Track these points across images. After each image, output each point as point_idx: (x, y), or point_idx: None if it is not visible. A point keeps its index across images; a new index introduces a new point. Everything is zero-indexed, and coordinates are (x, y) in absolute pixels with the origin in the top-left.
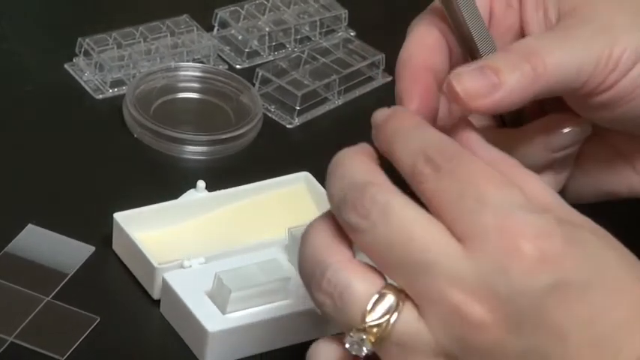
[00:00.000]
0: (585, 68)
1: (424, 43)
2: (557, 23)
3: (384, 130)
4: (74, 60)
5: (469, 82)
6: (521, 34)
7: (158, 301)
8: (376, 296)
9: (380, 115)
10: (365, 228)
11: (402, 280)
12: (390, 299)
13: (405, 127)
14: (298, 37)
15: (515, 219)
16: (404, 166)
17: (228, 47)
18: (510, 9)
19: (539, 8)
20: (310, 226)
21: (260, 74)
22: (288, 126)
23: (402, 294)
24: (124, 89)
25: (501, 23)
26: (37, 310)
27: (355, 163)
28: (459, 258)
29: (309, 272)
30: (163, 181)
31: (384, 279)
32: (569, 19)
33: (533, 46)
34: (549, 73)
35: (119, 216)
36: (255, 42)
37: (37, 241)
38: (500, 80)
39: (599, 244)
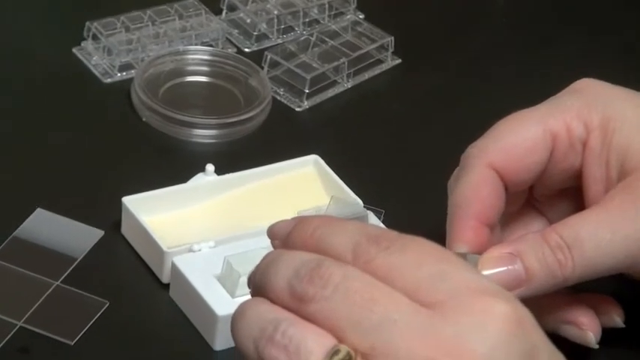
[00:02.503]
0: (620, 264)
1: (480, 194)
2: (618, 184)
3: (302, 233)
4: (82, 44)
5: (494, 270)
6: (580, 181)
7: (167, 285)
8: (332, 348)
9: (284, 224)
10: (323, 295)
11: (361, 339)
12: (345, 350)
13: (331, 223)
14: (307, 19)
15: (484, 282)
16: (343, 252)
17: (236, 30)
18: (572, 151)
19: (601, 160)
20: (244, 305)
21: (269, 57)
22: (297, 109)
23: (356, 351)
24: (132, 73)
25: (560, 162)
26: (46, 294)
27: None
28: (428, 317)
29: (257, 332)
30: (172, 165)
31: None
32: (627, 188)
33: (568, 238)
34: (577, 274)
35: (128, 200)
36: (264, 25)
37: (46, 226)
38: (528, 274)
39: None
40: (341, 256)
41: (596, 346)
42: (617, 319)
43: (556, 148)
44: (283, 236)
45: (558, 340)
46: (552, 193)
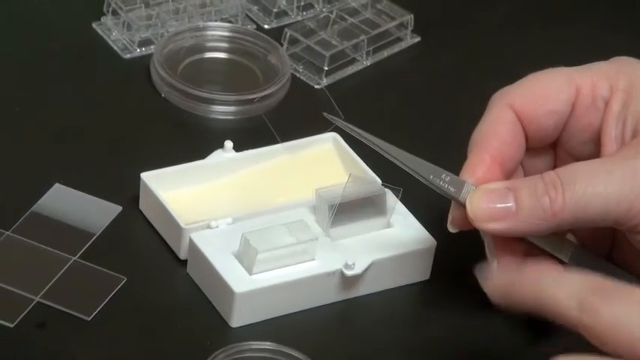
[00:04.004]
0: (612, 208)
1: (496, 129)
2: (629, 141)
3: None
4: (102, 19)
5: (483, 203)
6: (600, 138)
7: (185, 262)
8: None
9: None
10: None
11: None
12: None
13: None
14: None
15: None
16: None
17: (256, 7)
18: (594, 108)
19: (619, 120)
20: None
21: (288, 34)
22: (316, 86)
23: None
24: (151, 49)
25: (581, 119)
26: (63, 269)
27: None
28: None
29: None
30: (190, 141)
31: None
32: (634, 146)
33: (564, 176)
34: (567, 212)
35: (146, 176)
36: (284, 2)
37: (64, 201)
38: (517, 207)
39: None
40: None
41: None
42: None
43: (578, 102)
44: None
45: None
46: (574, 159)
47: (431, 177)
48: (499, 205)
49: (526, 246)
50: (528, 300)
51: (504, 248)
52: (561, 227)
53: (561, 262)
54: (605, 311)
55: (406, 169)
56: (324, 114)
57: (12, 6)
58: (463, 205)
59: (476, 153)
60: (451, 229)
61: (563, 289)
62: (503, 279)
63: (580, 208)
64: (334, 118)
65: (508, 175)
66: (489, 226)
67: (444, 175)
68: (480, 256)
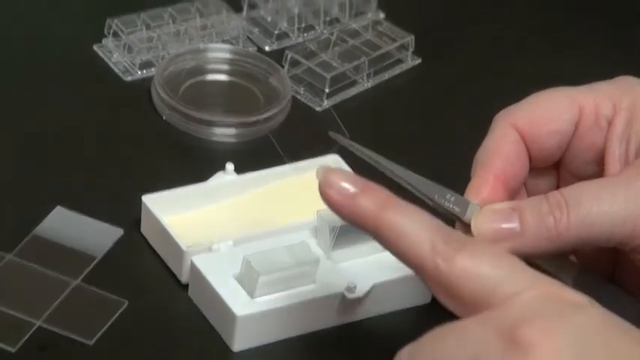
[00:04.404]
0: (617, 228)
1: (499, 149)
2: (633, 161)
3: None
4: (103, 41)
5: (488, 223)
6: (603, 158)
7: (186, 285)
8: None
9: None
10: None
11: None
12: None
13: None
14: (327, 18)
15: None
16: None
17: (257, 29)
18: (597, 128)
19: (623, 139)
20: None
21: (289, 56)
22: (317, 108)
23: None
24: (152, 71)
25: (584, 139)
26: (65, 293)
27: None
28: None
29: None
30: (192, 164)
31: None
32: (638, 165)
33: (568, 196)
34: (572, 232)
35: (147, 198)
36: (285, 23)
37: (66, 224)
38: (522, 227)
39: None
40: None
41: None
42: None
43: (581, 122)
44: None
45: None
46: (577, 179)
47: (436, 197)
48: (504, 226)
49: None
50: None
51: None
52: (566, 248)
53: (565, 283)
54: (460, 260)
55: (411, 189)
56: (330, 133)
57: (12, 28)
58: (468, 226)
59: (480, 173)
60: None
61: (422, 232)
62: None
63: (585, 228)
64: (340, 137)
65: (512, 195)
66: (494, 246)
67: (449, 195)
68: None
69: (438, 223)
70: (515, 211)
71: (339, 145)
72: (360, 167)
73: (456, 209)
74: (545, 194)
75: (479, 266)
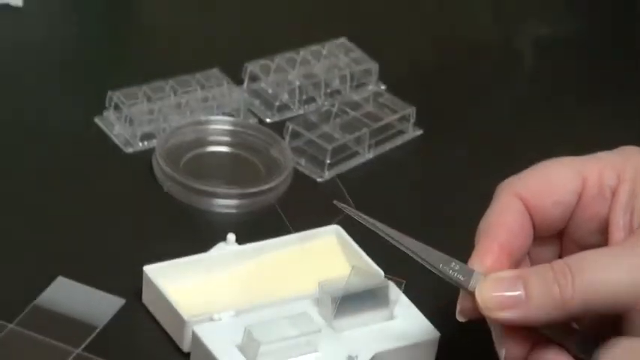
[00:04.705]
0: (621, 295)
1: (503, 219)
2: (636, 230)
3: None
4: (104, 113)
5: (493, 291)
6: (607, 228)
7: (188, 355)
8: None
9: None
10: None
11: None
12: None
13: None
14: (328, 90)
15: None
16: None
17: (258, 101)
18: (601, 198)
19: (627, 209)
20: None
21: (290, 128)
22: (319, 180)
23: None
24: (153, 143)
25: (588, 209)
26: None
27: None
28: None
29: None
30: (193, 235)
31: None
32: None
33: (573, 265)
34: (577, 300)
35: (149, 269)
36: (286, 95)
37: (67, 294)
38: (527, 295)
39: None
40: None
41: None
42: None
43: (585, 192)
44: None
45: None
46: (580, 249)
47: (440, 265)
48: (509, 294)
49: (534, 335)
50: None
51: (512, 337)
52: (571, 315)
53: (568, 349)
54: None
55: (416, 258)
56: (335, 202)
57: (11, 100)
58: (472, 294)
59: (484, 242)
60: (460, 318)
61: None
62: None
63: (590, 296)
64: (345, 206)
65: (516, 264)
66: (499, 315)
67: (454, 263)
68: (483, 347)
69: None
70: (520, 279)
71: (341, 216)
72: (365, 236)
73: (461, 278)
74: (551, 263)
75: None
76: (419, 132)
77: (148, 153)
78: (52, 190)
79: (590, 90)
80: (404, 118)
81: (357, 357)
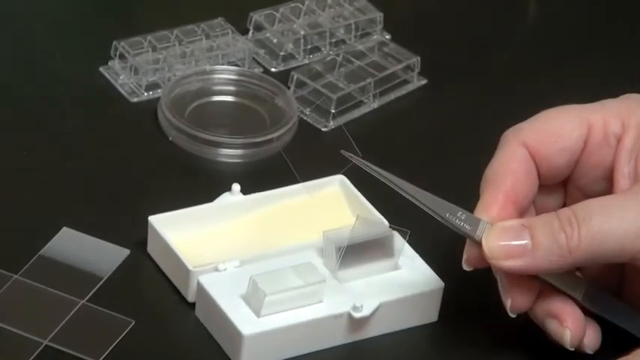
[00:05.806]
0: (628, 244)
1: (509, 167)
2: None
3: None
4: (109, 63)
5: (499, 240)
6: (612, 175)
7: (193, 305)
8: None
9: None
10: None
11: None
12: None
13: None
14: (333, 40)
15: None
16: None
17: (263, 50)
18: (606, 145)
19: (632, 157)
20: None
21: (295, 77)
22: (323, 129)
23: None
24: (159, 92)
25: (593, 156)
26: (71, 313)
27: None
28: None
29: None
30: (198, 184)
31: None
32: None
33: (579, 213)
34: (583, 249)
35: (154, 219)
36: (291, 45)
37: (72, 244)
38: (533, 244)
39: None
40: None
41: (571, 349)
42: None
43: (590, 139)
44: None
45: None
46: (585, 197)
47: (447, 215)
48: (515, 243)
49: (539, 284)
50: None
51: (518, 287)
52: (577, 264)
53: (574, 299)
54: None
55: (423, 207)
56: (342, 151)
57: (18, 51)
58: (478, 243)
59: (489, 191)
60: (466, 267)
61: None
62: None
63: (596, 245)
64: (352, 155)
65: (521, 212)
66: (506, 263)
67: (460, 212)
68: (488, 296)
69: None
70: (527, 228)
71: (348, 165)
72: (370, 186)
73: (467, 227)
74: (556, 211)
75: None
76: (423, 81)
77: (153, 102)
78: (56, 140)
79: (592, 39)
80: (408, 68)
81: (362, 307)
